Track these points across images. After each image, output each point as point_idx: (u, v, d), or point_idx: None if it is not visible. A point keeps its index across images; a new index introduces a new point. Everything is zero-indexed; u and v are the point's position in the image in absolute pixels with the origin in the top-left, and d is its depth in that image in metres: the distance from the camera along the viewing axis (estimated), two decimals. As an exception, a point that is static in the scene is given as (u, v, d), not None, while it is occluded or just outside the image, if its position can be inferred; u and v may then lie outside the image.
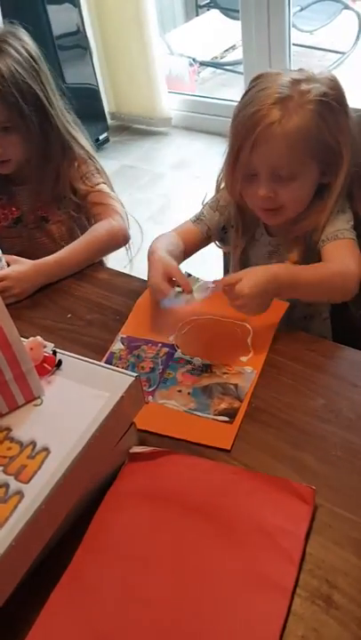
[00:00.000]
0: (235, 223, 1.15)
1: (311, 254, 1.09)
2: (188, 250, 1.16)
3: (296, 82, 0.97)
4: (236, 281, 0.93)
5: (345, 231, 1.04)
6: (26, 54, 1.17)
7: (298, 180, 1.00)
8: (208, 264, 1.35)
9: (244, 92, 1.03)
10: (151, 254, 1.06)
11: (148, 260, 1.06)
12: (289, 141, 0.96)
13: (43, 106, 1.20)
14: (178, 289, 1.00)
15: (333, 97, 0.98)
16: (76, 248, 1.18)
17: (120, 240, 1.25)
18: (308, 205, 1.06)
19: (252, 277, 0.93)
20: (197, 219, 1.18)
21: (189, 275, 1.05)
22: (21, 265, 1.12)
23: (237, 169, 1.02)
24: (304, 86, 0.97)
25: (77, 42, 2.97)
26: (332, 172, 1.02)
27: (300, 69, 1.02)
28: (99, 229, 1.23)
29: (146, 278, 1.09)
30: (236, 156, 1.01)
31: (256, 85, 1.00)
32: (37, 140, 1.21)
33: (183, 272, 1.03)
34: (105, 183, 1.32)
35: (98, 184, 1.30)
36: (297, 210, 1.05)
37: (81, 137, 1.31)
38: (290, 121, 0.95)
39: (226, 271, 1.33)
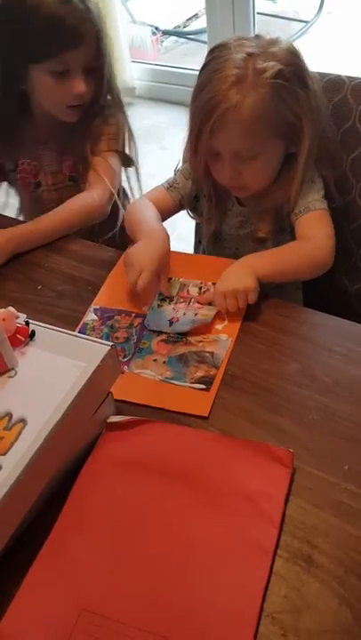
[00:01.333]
0: (207, 194, 1.13)
1: (283, 225, 1.09)
2: (161, 218, 1.15)
3: (251, 57, 0.94)
4: (212, 297, 0.96)
5: (316, 202, 1.04)
6: None
7: (261, 158, 1.00)
8: (178, 231, 1.33)
9: (201, 65, 1.00)
10: (156, 233, 1.02)
11: (151, 237, 1.01)
12: (247, 126, 0.94)
13: (108, 46, 1.17)
14: (158, 300, 0.98)
15: (291, 73, 0.95)
16: (52, 219, 1.15)
17: (95, 216, 1.22)
18: (278, 176, 1.05)
19: (220, 280, 0.96)
20: (170, 186, 1.15)
21: (170, 278, 1.03)
22: None
23: (199, 151, 1.01)
24: (260, 63, 0.93)
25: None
26: (296, 143, 1.01)
27: (258, 36, 0.99)
28: (77, 202, 1.19)
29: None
30: (197, 139, 0.99)
31: (212, 62, 0.97)
32: (106, 84, 1.19)
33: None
34: (116, 151, 1.26)
35: (110, 151, 1.25)
36: (264, 184, 1.05)
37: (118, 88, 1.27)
38: (246, 105, 0.93)
39: (198, 242, 1.31)
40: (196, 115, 0.98)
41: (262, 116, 0.94)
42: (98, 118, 1.23)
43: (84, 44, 1.10)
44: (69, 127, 1.24)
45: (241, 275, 0.94)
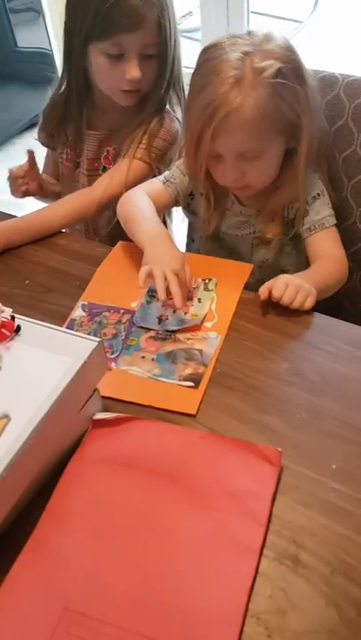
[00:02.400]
0: (205, 194, 1.12)
1: (288, 230, 1.09)
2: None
3: (247, 56, 0.92)
4: (269, 288, 0.92)
5: (330, 218, 1.06)
6: None
7: (264, 156, 0.99)
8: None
9: (194, 67, 0.99)
10: (167, 238, 1.00)
11: (162, 244, 0.99)
12: (249, 127, 0.93)
13: (173, 33, 1.13)
14: (147, 297, 0.97)
15: (289, 70, 0.93)
16: (46, 218, 1.13)
17: (89, 218, 1.23)
18: (280, 175, 1.04)
19: (283, 275, 0.93)
20: (167, 180, 1.13)
21: None
22: None
23: (200, 155, 0.99)
24: (258, 62, 0.92)
25: (30, 4, 2.86)
26: (295, 138, 1.00)
27: (250, 33, 0.97)
28: (72, 203, 1.17)
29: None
30: (197, 143, 0.98)
31: (206, 63, 0.95)
32: (168, 75, 1.16)
33: None
34: (146, 162, 1.19)
35: (142, 161, 1.19)
36: (267, 182, 1.04)
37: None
38: (247, 106, 0.91)
39: (191, 241, 1.30)
40: (196, 119, 0.96)
41: (264, 116, 0.93)
42: (156, 117, 1.19)
43: (143, 28, 1.07)
44: (122, 119, 1.21)
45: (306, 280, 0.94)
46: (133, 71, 1.10)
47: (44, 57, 2.97)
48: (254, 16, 3.00)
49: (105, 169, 1.27)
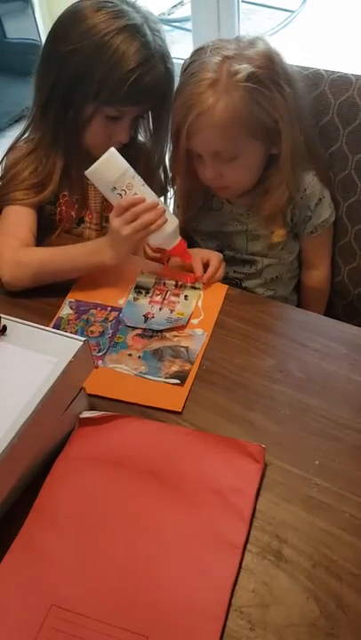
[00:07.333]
0: (184, 193, 1.13)
1: (292, 231, 1.12)
2: None
3: (226, 60, 0.94)
4: None
5: (330, 218, 1.11)
6: None
7: (240, 158, 1.00)
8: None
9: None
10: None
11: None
12: (221, 128, 0.95)
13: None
14: (134, 294, 0.98)
15: (264, 75, 0.94)
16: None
17: None
18: (267, 179, 1.05)
19: None
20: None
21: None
22: None
23: (179, 152, 1.02)
24: (234, 66, 0.93)
25: (18, -6, 2.84)
26: (276, 144, 1.01)
27: (238, 38, 0.99)
28: None
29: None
30: (176, 142, 1.01)
31: (190, 66, 0.98)
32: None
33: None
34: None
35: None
36: (246, 185, 1.06)
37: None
38: (218, 108, 0.94)
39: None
40: (174, 117, 1.00)
41: (236, 119, 0.94)
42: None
43: (150, 102, 1.05)
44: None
45: None
46: (123, 136, 1.06)
47: (33, 48, 2.91)
48: (245, 5, 2.99)
49: (107, 219, 1.14)
